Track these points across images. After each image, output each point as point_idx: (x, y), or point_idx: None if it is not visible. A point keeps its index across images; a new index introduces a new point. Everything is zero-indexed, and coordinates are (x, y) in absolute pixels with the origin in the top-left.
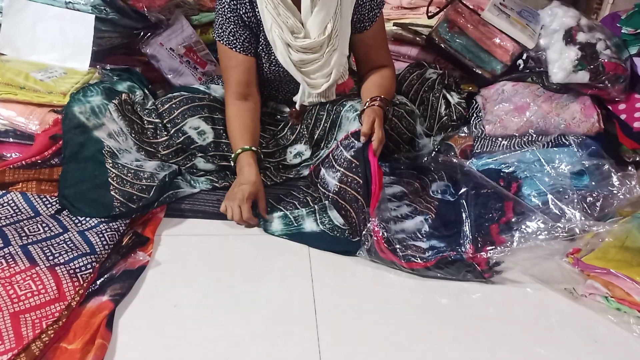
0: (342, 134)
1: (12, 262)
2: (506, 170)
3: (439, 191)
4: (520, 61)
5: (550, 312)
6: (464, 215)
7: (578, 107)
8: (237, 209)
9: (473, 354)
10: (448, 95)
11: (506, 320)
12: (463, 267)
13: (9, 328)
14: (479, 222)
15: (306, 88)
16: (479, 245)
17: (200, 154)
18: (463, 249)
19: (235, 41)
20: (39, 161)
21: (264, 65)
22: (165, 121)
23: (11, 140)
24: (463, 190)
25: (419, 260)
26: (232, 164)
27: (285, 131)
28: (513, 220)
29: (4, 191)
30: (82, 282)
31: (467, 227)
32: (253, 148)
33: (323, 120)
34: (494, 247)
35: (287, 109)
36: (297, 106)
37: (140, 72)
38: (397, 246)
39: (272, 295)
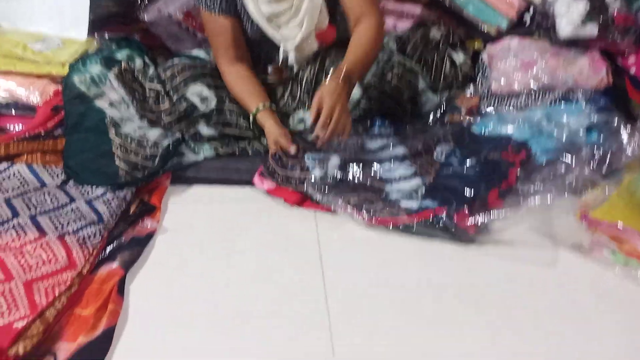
0: None
1: (22, 232)
2: (516, 138)
3: (444, 154)
4: (526, 16)
5: (557, 268)
6: (464, 179)
7: (586, 62)
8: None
9: (481, 312)
10: (453, 55)
11: (513, 277)
12: (446, 229)
13: (23, 296)
14: (479, 187)
15: (282, 42)
16: (473, 209)
17: (203, 121)
18: (453, 211)
19: (212, 4)
20: (42, 132)
21: (245, 25)
22: (167, 88)
23: (13, 112)
24: (467, 154)
25: (401, 216)
26: (253, 127)
27: (287, 99)
28: (514, 186)
29: (9, 163)
30: (91, 250)
31: (465, 190)
32: (266, 105)
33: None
34: (487, 212)
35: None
36: (279, 64)
37: (139, 40)
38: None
39: (279, 259)
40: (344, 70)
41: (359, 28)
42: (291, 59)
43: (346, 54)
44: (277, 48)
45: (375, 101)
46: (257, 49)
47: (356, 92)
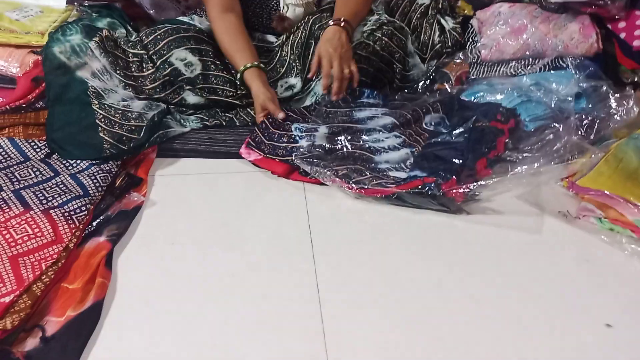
0: None
1: (6, 207)
2: (506, 105)
3: (433, 123)
4: None
5: (544, 235)
6: (453, 149)
7: (577, 27)
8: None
9: (468, 279)
10: (442, 21)
11: (500, 245)
12: (434, 197)
13: (9, 271)
14: (467, 155)
15: None
16: (461, 179)
17: (188, 87)
18: (441, 180)
19: None
20: (24, 105)
21: None
22: (150, 53)
23: None
24: (456, 122)
25: (389, 186)
26: (239, 85)
27: (275, 63)
28: (502, 154)
29: None
30: (77, 224)
31: (454, 160)
32: (254, 64)
33: (311, 50)
34: (475, 181)
35: (274, 39)
36: (282, 11)
37: (121, 8)
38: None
39: (268, 230)
40: (341, 17)
41: None
42: (290, 13)
43: (337, 6)
44: (273, 4)
45: (365, 60)
46: (252, 9)
47: None
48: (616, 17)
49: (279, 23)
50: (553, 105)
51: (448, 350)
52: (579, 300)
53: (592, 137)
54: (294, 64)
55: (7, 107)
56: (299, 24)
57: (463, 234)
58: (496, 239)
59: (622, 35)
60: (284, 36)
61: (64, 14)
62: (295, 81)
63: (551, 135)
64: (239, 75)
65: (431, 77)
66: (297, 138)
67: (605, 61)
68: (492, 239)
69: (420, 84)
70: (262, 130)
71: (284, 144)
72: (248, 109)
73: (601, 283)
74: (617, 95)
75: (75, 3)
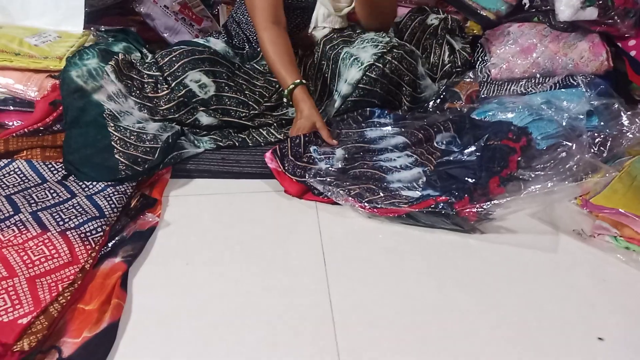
0: (342, 83)
1: (24, 228)
2: (517, 123)
3: (444, 142)
4: (525, 0)
5: (559, 254)
6: (465, 167)
7: (586, 46)
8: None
9: (482, 299)
10: (452, 41)
11: (515, 264)
12: (447, 216)
13: (27, 292)
14: (479, 174)
15: (330, 9)
16: (474, 198)
17: (202, 108)
18: (454, 200)
19: None
20: (42, 128)
21: None
22: (165, 74)
23: (11, 108)
24: (467, 141)
25: (402, 206)
26: (286, 101)
27: None
28: (515, 173)
29: (9, 160)
30: (93, 245)
31: (466, 179)
32: (303, 82)
33: (323, 72)
34: (488, 200)
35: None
36: (310, 31)
37: (136, 32)
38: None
39: (281, 250)
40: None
41: None
42: (321, 26)
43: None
44: (303, 19)
45: (376, 82)
46: (290, 25)
47: (356, 72)
48: (626, 35)
49: (305, 37)
50: (565, 123)
51: None
52: (595, 322)
53: (604, 155)
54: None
55: (26, 130)
56: (312, 47)
57: (477, 253)
58: (510, 258)
59: (633, 53)
60: (297, 59)
61: (81, 39)
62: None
63: (564, 154)
64: (287, 91)
65: (442, 96)
66: (317, 160)
67: (616, 79)
68: (507, 258)
69: (431, 103)
70: (293, 144)
71: (303, 164)
72: (260, 130)
73: (619, 303)
74: (629, 113)
75: (92, 28)
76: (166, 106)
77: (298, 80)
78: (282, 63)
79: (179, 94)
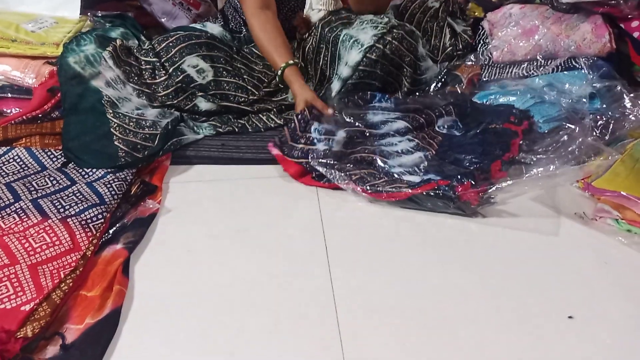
0: (342, 66)
1: (24, 216)
2: (519, 107)
3: (446, 126)
4: None
5: (561, 237)
6: (466, 152)
7: (589, 27)
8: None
9: (485, 282)
10: (453, 24)
11: (516, 247)
12: (449, 200)
13: (29, 279)
14: (481, 158)
15: None
16: (476, 182)
17: (200, 94)
18: (456, 183)
19: None
20: (40, 115)
21: None
22: (163, 60)
23: (9, 95)
24: (469, 125)
25: (403, 190)
26: (279, 83)
27: None
28: (517, 157)
29: (8, 147)
30: (94, 232)
31: (468, 163)
32: (295, 61)
33: (322, 55)
34: (490, 184)
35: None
36: (305, 12)
37: (133, 18)
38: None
39: (283, 236)
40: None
41: None
42: (316, 8)
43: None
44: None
45: (376, 64)
46: (285, 10)
47: (356, 54)
48: (629, 16)
49: (301, 22)
50: (567, 106)
51: (466, 355)
52: (598, 304)
53: (607, 137)
54: (306, 70)
55: (24, 117)
56: (312, 29)
57: (479, 237)
58: (512, 241)
59: (636, 34)
60: (296, 42)
61: (77, 25)
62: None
63: (566, 137)
64: (279, 72)
65: (443, 79)
66: (315, 140)
67: (619, 61)
68: (509, 241)
69: (432, 86)
70: (290, 130)
71: (301, 145)
72: (260, 115)
73: (620, 285)
74: (631, 95)
75: (89, 14)
76: (164, 92)
77: (285, 63)
78: (274, 46)
79: (177, 80)
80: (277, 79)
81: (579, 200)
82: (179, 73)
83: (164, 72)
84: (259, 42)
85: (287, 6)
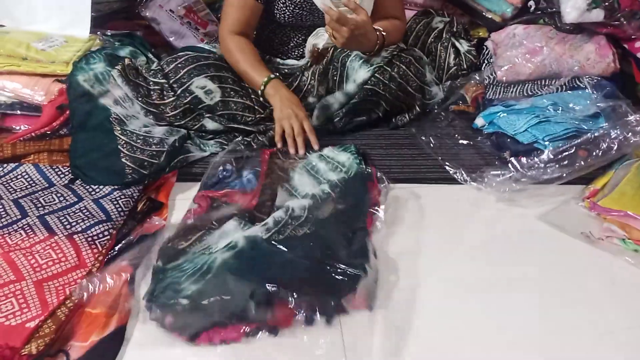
0: (350, 84)
1: (31, 232)
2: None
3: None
4: (531, 2)
5: (567, 257)
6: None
7: (592, 48)
8: (298, 124)
9: (491, 304)
10: (457, 44)
11: (522, 266)
12: None
13: (34, 296)
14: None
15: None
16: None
17: (208, 115)
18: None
19: None
20: (48, 132)
21: (286, 8)
22: (171, 81)
23: (18, 112)
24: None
25: None
26: (261, 97)
27: (295, 87)
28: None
29: (16, 164)
30: (100, 249)
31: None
32: (276, 75)
33: (330, 74)
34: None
35: (294, 62)
36: (319, 46)
37: (142, 36)
38: None
39: None
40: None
41: (393, 20)
42: (322, 44)
43: (379, 23)
44: (300, 35)
45: (383, 85)
46: (279, 36)
47: (364, 73)
48: (633, 37)
49: (315, 55)
50: (571, 125)
51: None
52: (605, 324)
53: (612, 157)
54: (312, 89)
55: (33, 134)
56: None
57: (484, 256)
58: (517, 262)
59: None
60: (306, 62)
61: (87, 43)
62: (313, 101)
63: (571, 156)
64: (262, 88)
65: (447, 98)
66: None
67: (623, 81)
68: (514, 262)
69: (437, 105)
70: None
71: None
72: (266, 134)
73: (628, 306)
74: (636, 114)
75: (98, 32)
76: (172, 113)
77: (272, 75)
78: (249, 67)
79: (185, 101)
80: (260, 97)
81: (585, 220)
82: (187, 94)
83: (172, 93)
84: (235, 63)
85: (281, 31)
